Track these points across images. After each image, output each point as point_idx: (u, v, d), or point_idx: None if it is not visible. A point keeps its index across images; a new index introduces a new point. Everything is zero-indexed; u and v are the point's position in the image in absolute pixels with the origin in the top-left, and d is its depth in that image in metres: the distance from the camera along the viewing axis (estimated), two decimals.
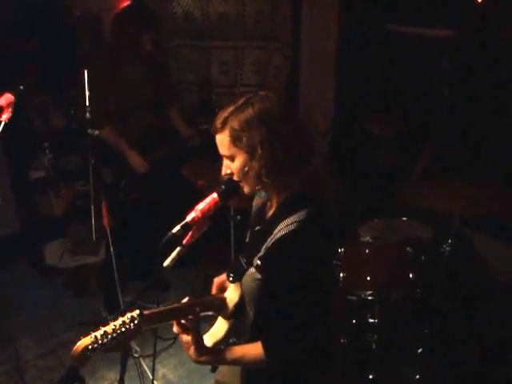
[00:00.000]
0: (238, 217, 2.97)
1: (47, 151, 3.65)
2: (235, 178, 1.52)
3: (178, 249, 1.48)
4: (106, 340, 1.30)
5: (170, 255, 1.48)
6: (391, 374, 2.60)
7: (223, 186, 1.51)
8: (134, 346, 2.98)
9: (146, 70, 3.08)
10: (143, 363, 2.92)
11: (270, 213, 1.61)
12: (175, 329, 1.51)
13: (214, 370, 1.96)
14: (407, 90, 3.81)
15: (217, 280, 1.75)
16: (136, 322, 1.34)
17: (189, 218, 1.47)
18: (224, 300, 1.61)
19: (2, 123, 2.23)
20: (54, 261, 3.75)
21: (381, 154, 3.80)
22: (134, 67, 3.03)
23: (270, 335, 1.51)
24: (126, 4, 3.62)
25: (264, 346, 1.50)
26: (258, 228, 1.67)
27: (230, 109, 1.49)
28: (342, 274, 2.59)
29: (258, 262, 1.52)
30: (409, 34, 3.74)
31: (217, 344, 1.59)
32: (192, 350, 1.49)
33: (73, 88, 3.50)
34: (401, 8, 3.75)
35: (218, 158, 1.58)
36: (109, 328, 1.31)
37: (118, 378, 1.96)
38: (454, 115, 3.57)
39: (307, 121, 3.45)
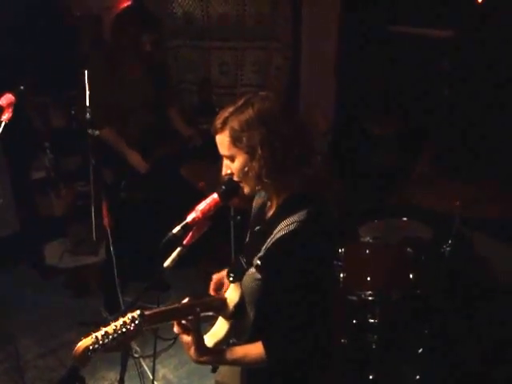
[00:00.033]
0: (239, 217, 2.97)
1: (48, 151, 3.65)
2: (235, 178, 1.52)
3: (179, 249, 1.48)
4: (106, 340, 1.30)
5: (170, 255, 1.48)
6: (391, 374, 2.60)
7: (223, 187, 1.51)
8: (135, 346, 2.98)
9: (145, 70, 3.09)
10: (143, 363, 2.91)
11: (270, 213, 1.61)
12: (176, 329, 1.51)
13: (214, 370, 1.96)
14: (407, 90, 3.81)
15: (215, 276, 1.76)
16: (137, 322, 1.34)
17: (189, 219, 1.47)
18: (224, 300, 1.61)
19: (3, 123, 2.23)
20: (54, 261, 3.74)
21: (381, 153, 3.80)
22: (134, 67, 3.03)
23: (270, 335, 1.51)
24: (126, 4, 3.62)
25: (264, 346, 1.50)
26: (258, 228, 1.67)
27: (230, 109, 1.49)
28: (342, 274, 2.59)
29: (258, 262, 1.52)
30: (409, 34, 3.74)
31: (217, 344, 1.59)
32: (193, 351, 1.49)
33: (73, 88, 3.50)
34: (401, 8, 3.75)
35: (218, 159, 1.58)
36: (110, 328, 1.31)
37: (118, 378, 1.97)
38: (453, 115, 3.57)
39: (307, 121, 3.45)
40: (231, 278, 1.60)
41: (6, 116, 2.24)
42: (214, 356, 1.53)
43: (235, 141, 1.47)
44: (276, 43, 4.12)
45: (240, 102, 1.49)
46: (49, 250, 3.83)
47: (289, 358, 1.50)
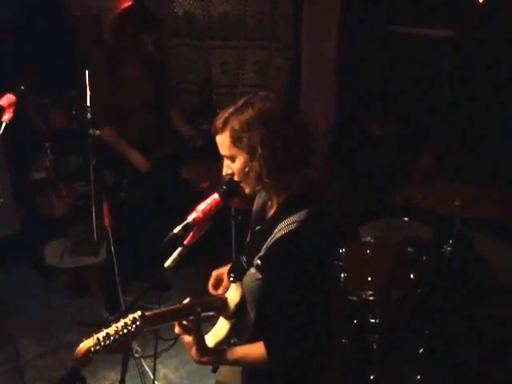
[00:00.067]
0: (239, 217, 2.97)
1: (48, 152, 3.65)
2: (236, 178, 1.52)
3: (179, 249, 1.48)
4: (108, 342, 1.30)
5: (171, 255, 1.48)
6: (392, 375, 2.61)
7: (224, 187, 1.52)
8: (135, 346, 2.98)
9: (146, 70, 3.08)
10: (144, 363, 2.91)
11: (271, 213, 1.61)
12: (177, 329, 1.51)
13: (215, 370, 1.97)
14: (407, 90, 3.81)
15: (215, 273, 1.77)
16: (138, 323, 1.34)
17: (190, 219, 1.47)
18: (225, 300, 1.61)
19: (4, 124, 2.23)
20: (55, 261, 3.74)
21: (381, 154, 3.80)
22: (134, 67, 3.03)
23: (271, 335, 1.51)
24: (126, 4, 3.62)
25: (265, 346, 1.50)
26: (258, 228, 1.68)
27: (231, 109, 1.50)
28: (343, 274, 2.59)
29: (259, 262, 1.52)
30: (409, 34, 3.74)
31: (218, 344, 1.59)
32: (194, 351, 1.49)
33: (73, 88, 3.50)
34: (401, 8, 3.75)
35: (218, 159, 1.59)
36: (111, 329, 1.31)
37: (119, 378, 1.97)
38: (454, 115, 3.57)
39: (307, 121, 3.45)
40: (232, 278, 1.60)
41: (6, 116, 2.24)
42: (215, 356, 1.53)
43: (236, 141, 1.48)
44: (276, 44, 4.12)
45: (240, 102, 1.50)
46: (49, 250, 3.83)
47: (289, 358, 1.50)
